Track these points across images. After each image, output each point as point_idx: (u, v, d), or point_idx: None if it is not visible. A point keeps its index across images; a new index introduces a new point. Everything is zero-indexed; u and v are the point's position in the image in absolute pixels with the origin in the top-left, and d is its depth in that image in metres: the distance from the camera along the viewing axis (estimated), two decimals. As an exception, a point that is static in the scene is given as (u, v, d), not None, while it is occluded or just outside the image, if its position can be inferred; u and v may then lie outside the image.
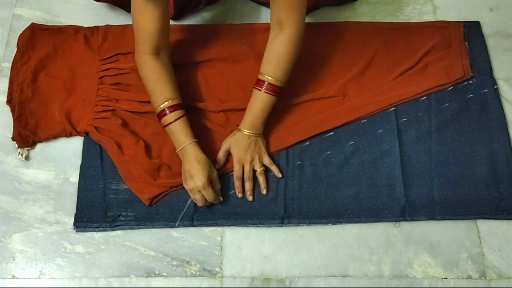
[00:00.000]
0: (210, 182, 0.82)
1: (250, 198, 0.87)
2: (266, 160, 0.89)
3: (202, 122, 0.93)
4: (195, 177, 0.81)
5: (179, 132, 0.83)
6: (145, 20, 0.82)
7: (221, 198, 0.86)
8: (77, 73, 0.98)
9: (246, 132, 0.87)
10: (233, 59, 1.00)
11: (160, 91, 0.84)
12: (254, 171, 0.88)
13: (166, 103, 0.83)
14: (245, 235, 0.86)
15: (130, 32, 1.01)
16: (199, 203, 0.83)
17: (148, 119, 0.93)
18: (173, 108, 0.83)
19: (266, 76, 0.85)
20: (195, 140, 0.84)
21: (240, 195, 0.87)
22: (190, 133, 0.84)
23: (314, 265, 0.84)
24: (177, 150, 0.84)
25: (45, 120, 0.93)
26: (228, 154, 0.89)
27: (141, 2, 0.80)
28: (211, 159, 0.86)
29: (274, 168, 0.89)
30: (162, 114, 0.84)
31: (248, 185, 0.87)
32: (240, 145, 0.87)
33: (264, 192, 0.88)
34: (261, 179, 0.88)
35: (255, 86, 0.86)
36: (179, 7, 1.02)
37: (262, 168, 0.88)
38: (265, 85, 0.85)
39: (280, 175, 0.89)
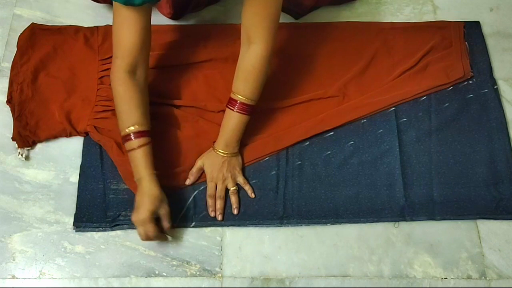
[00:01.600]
0: (157, 219, 0.80)
1: (219, 218, 0.86)
2: (240, 180, 0.88)
3: (201, 122, 0.93)
4: (140, 209, 0.78)
5: (139, 160, 0.80)
6: (126, 33, 0.78)
7: (168, 237, 0.84)
8: (77, 73, 0.98)
9: (220, 152, 0.86)
10: (233, 59, 0.98)
11: (129, 114, 0.81)
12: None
13: (132, 128, 0.80)
14: (245, 235, 0.86)
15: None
16: (141, 238, 0.79)
17: None
18: (138, 134, 0.80)
19: (237, 95, 0.83)
20: (154, 172, 0.80)
21: (212, 214, 0.86)
22: (150, 164, 0.80)
23: (314, 265, 0.84)
24: (135, 179, 0.81)
25: (45, 120, 0.93)
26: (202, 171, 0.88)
27: (125, 13, 0.76)
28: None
29: (247, 188, 0.87)
30: (127, 138, 0.80)
31: (219, 204, 0.86)
32: (214, 164, 0.86)
33: (235, 212, 0.86)
34: (233, 199, 0.87)
35: (228, 106, 0.85)
36: (178, 6, 1.02)
37: (235, 188, 0.87)
38: (237, 104, 0.83)
39: (253, 196, 0.87)
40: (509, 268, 0.84)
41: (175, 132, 0.92)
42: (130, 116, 0.81)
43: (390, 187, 0.89)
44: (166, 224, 0.82)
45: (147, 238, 0.79)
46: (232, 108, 0.84)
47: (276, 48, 1.00)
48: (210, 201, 0.86)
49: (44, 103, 0.94)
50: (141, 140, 0.80)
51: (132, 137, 0.80)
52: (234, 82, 0.84)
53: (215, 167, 0.86)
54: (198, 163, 0.88)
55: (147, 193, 0.79)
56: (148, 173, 0.80)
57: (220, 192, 0.86)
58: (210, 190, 0.86)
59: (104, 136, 0.90)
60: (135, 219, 0.79)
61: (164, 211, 0.81)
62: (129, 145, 0.81)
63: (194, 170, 0.87)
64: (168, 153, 0.90)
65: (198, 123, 0.93)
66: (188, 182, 0.87)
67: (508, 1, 1.09)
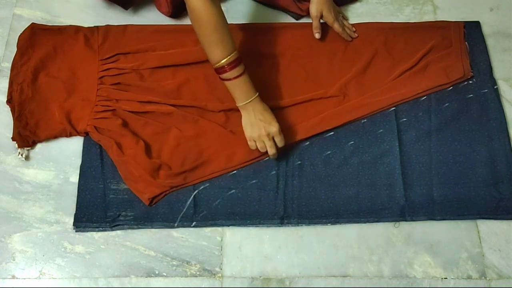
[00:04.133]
0: None
1: (316, 36, 1.00)
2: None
3: (202, 121, 0.93)
4: (271, 124, 0.84)
5: (242, 87, 0.84)
6: None
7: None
8: (77, 73, 0.98)
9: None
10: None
11: (225, 42, 0.81)
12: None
13: (229, 57, 0.81)
14: (245, 235, 0.86)
15: (130, 32, 1.02)
16: (272, 150, 0.85)
17: (148, 119, 0.93)
18: (235, 63, 0.82)
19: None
20: (258, 93, 0.86)
21: (317, 36, 1.00)
22: (253, 86, 0.85)
23: (314, 265, 0.84)
24: (242, 104, 0.85)
25: (45, 120, 0.93)
26: None
27: None
28: (211, 158, 0.87)
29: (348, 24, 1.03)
30: (231, 65, 0.82)
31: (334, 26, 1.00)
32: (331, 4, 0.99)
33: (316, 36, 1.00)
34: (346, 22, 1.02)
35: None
36: (176, 4, 1.02)
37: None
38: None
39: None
40: (509, 268, 0.84)
41: (175, 132, 0.92)
42: (225, 45, 0.81)
43: (390, 187, 0.89)
44: (282, 139, 0.86)
45: (276, 150, 0.86)
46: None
47: (276, 48, 1.01)
48: (316, 22, 1.00)
49: (44, 103, 0.94)
50: (240, 69, 0.83)
51: (235, 64, 0.82)
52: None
53: (326, 3, 0.98)
54: (317, 12, 0.99)
55: (266, 109, 0.85)
56: (256, 94, 0.85)
57: (337, 20, 1.00)
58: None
59: (104, 136, 0.90)
60: (269, 131, 0.84)
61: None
62: (233, 73, 0.82)
63: (315, 22, 1.00)
64: (169, 153, 0.90)
65: (198, 123, 0.93)
66: (318, 36, 1.01)
67: (508, 1, 1.09)
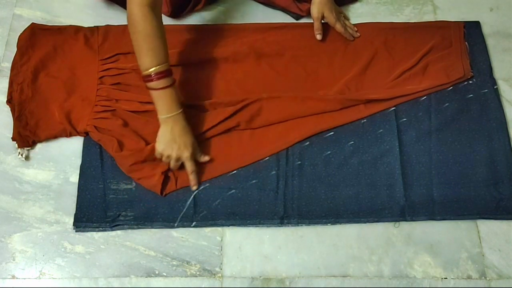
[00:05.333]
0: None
1: (318, 37, 1.01)
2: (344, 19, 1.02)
3: (201, 121, 0.93)
4: (185, 148, 0.83)
5: (172, 98, 0.82)
6: None
7: (206, 157, 0.88)
8: (77, 73, 0.98)
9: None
10: (233, 59, 1.00)
11: (157, 52, 0.80)
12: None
13: (157, 67, 0.80)
14: (245, 235, 0.86)
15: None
16: (174, 168, 0.86)
17: (149, 118, 0.92)
18: (163, 74, 0.81)
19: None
20: (182, 110, 0.84)
21: (319, 38, 1.01)
22: (178, 102, 0.83)
23: (314, 265, 0.84)
24: (163, 117, 0.83)
25: (45, 120, 0.93)
26: None
27: None
28: (210, 160, 0.88)
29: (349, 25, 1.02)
30: (158, 76, 0.81)
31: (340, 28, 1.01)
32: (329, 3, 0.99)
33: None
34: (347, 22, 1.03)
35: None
36: (176, 4, 1.02)
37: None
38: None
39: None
40: (509, 268, 0.84)
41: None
42: (156, 54, 0.80)
43: (390, 187, 0.88)
44: (204, 158, 0.87)
45: (178, 167, 0.86)
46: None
47: (276, 47, 1.01)
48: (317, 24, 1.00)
49: (44, 103, 0.94)
50: (168, 80, 0.82)
51: (157, 77, 0.80)
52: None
53: (327, 4, 0.98)
54: (318, 13, 0.99)
55: (184, 130, 0.84)
56: (179, 110, 0.83)
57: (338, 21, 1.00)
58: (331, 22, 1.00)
59: (104, 136, 0.89)
60: (181, 155, 0.84)
61: (196, 144, 0.86)
62: (158, 84, 0.81)
63: (316, 23, 1.00)
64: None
65: (196, 123, 0.92)
66: (319, 37, 1.01)
67: (508, 1, 1.09)
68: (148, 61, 0.80)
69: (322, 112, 0.94)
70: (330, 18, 1.00)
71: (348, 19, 1.05)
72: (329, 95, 0.94)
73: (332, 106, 0.94)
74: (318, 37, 1.01)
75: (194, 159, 0.86)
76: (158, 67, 0.80)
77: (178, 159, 0.84)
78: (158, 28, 0.81)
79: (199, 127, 0.90)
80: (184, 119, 0.85)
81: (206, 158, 0.88)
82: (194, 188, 0.87)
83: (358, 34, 1.02)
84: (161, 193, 0.87)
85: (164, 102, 0.82)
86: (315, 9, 0.99)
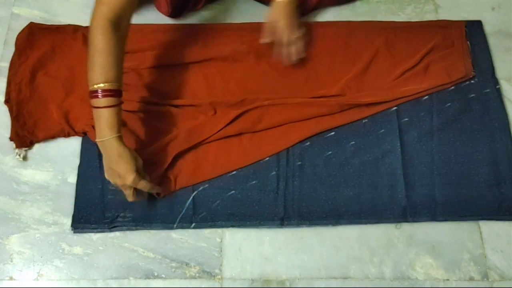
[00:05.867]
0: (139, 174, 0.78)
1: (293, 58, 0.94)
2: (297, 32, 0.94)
3: (200, 121, 0.92)
4: (125, 175, 0.76)
5: (105, 121, 0.76)
6: None
7: (158, 187, 0.83)
8: (76, 73, 0.97)
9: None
10: (233, 59, 0.99)
11: (106, 68, 0.76)
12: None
13: (105, 84, 0.76)
14: (245, 236, 0.86)
15: (129, 32, 1.01)
16: (130, 199, 0.80)
17: (147, 118, 0.92)
18: (108, 93, 0.76)
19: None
20: (119, 135, 0.77)
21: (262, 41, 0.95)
22: (116, 126, 0.76)
23: (314, 267, 0.84)
24: (99, 140, 0.77)
25: (43, 120, 0.92)
26: None
27: None
28: (210, 160, 0.86)
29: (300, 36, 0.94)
30: (94, 94, 0.76)
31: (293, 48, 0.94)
32: (287, 13, 0.92)
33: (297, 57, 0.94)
34: (299, 44, 0.94)
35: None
36: (176, 5, 1.01)
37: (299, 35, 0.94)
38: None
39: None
40: (511, 269, 0.84)
41: (174, 131, 0.91)
42: (106, 70, 0.76)
43: (391, 188, 0.88)
44: (146, 177, 0.80)
45: (136, 197, 0.80)
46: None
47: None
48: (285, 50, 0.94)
49: (42, 103, 0.94)
50: (111, 100, 0.76)
51: (100, 95, 0.76)
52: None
53: (288, 15, 0.92)
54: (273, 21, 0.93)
55: (120, 156, 0.76)
56: (115, 136, 0.76)
57: (288, 36, 0.93)
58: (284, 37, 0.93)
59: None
60: (125, 183, 0.77)
61: (140, 165, 0.79)
62: (96, 102, 0.76)
63: (266, 28, 0.94)
64: (167, 153, 0.89)
65: (197, 123, 0.92)
66: (263, 41, 0.95)
67: (510, 0, 1.09)
68: (96, 76, 0.76)
69: (323, 115, 0.93)
70: (282, 33, 0.93)
71: (305, 38, 0.97)
72: (331, 101, 0.94)
73: (333, 110, 0.93)
74: (263, 40, 0.95)
75: (141, 177, 0.79)
76: (105, 84, 0.76)
77: (126, 187, 0.78)
78: (115, 45, 0.77)
79: (199, 134, 0.90)
80: (120, 143, 0.77)
81: (147, 178, 0.81)
82: (162, 196, 0.84)
83: (296, 58, 0.95)
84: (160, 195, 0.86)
85: (100, 123, 0.76)
86: (270, 16, 0.92)
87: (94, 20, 0.78)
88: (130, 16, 0.81)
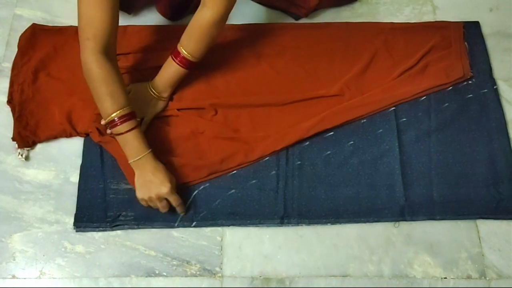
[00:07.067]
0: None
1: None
2: (147, 118, 0.91)
3: (200, 122, 0.93)
4: (161, 185, 0.80)
5: (132, 143, 0.80)
6: (99, 13, 0.78)
7: (183, 207, 0.85)
8: (78, 74, 0.96)
9: (152, 90, 0.90)
10: (234, 59, 1.00)
11: (116, 97, 0.80)
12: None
13: (119, 112, 0.80)
14: (245, 235, 0.86)
15: (131, 33, 1.02)
16: (163, 210, 0.83)
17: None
18: (126, 118, 0.80)
19: (181, 48, 0.86)
20: (150, 150, 0.82)
21: None
22: (144, 144, 0.81)
23: (314, 265, 0.84)
24: (132, 160, 0.81)
25: (45, 121, 0.93)
26: None
27: None
28: (210, 159, 0.87)
29: (143, 128, 0.89)
30: (113, 124, 0.80)
31: None
32: (139, 92, 0.91)
33: None
34: (143, 127, 0.90)
35: (171, 54, 0.88)
36: (176, 8, 1.02)
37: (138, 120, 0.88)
38: (179, 57, 0.87)
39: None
40: (509, 268, 0.84)
41: (174, 132, 0.92)
42: (116, 99, 0.80)
43: (390, 187, 0.89)
44: (176, 198, 0.83)
45: (169, 208, 0.83)
46: (174, 58, 0.87)
47: (277, 47, 1.01)
48: None
49: (45, 104, 0.94)
50: (131, 123, 0.81)
51: (123, 120, 0.80)
52: (183, 36, 0.87)
53: (139, 96, 0.90)
54: (129, 87, 0.92)
55: (157, 169, 0.81)
56: (149, 151, 0.82)
57: None
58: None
59: (105, 137, 0.89)
60: (160, 193, 0.80)
61: (174, 180, 0.83)
62: (120, 128, 0.80)
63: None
64: (167, 154, 0.90)
65: (197, 124, 0.92)
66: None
67: (508, 1, 1.09)
68: (108, 106, 0.79)
69: (322, 115, 0.94)
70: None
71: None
72: (330, 101, 0.94)
73: (332, 110, 0.94)
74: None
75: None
76: (120, 111, 0.80)
77: (159, 197, 0.81)
78: (113, 73, 0.81)
79: (200, 133, 0.92)
80: (155, 158, 0.82)
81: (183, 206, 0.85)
82: (182, 214, 0.86)
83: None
84: None
85: (131, 146, 0.81)
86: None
87: (85, 56, 0.80)
88: (115, 42, 0.84)
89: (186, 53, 0.86)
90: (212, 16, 0.83)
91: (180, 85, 0.94)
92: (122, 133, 0.80)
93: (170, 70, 0.89)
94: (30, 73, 0.96)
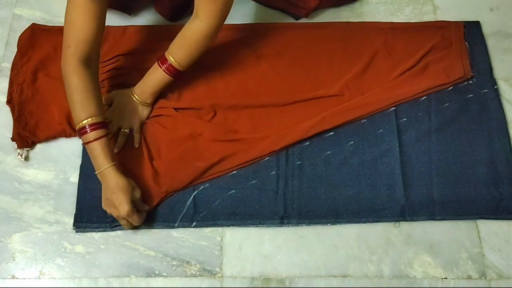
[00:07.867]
0: (135, 205, 0.81)
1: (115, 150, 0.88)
2: (135, 127, 0.91)
3: (200, 122, 0.93)
4: (119, 206, 0.78)
5: (98, 153, 0.79)
6: (82, 21, 0.78)
7: (146, 206, 0.84)
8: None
9: (134, 95, 0.90)
10: (233, 59, 1.00)
11: (86, 104, 0.80)
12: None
13: (89, 119, 0.79)
14: (245, 235, 0.86)
15: (130, 33, 1.02)
16: (126, 228, 0.83)
17: (149, 120, 0.93)
18: (95, 126, 0.79)
19: (169, 56, 0.86)
20: (114, 163, 0.80)
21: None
22: (109, 155, 0.80)
23: (314, 265, 0.84)
24: (96, 172, 0.81)
25: (45, 121, 0.93)
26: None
27: (82, 1, 0.77)
28: (210, 159, 0.87)
29: (137, 137, 0.90)
30: (83, 131, 0.79)
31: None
32: (123, 101, 0.90)
33: (115, 150, 0.87)
34: (120, 139, 0.90)
35: (158, 60, 0.87)
36: (174, 7, 1.02)
37: (127, 130, 0.90)
38: (166, 64, 0.86)
39: (136, 145, 0.89)
40: (509, 268, 0.84)
41: (172, 134, 0.92)
42: (86, 108, 0.80)
43: (390, 187, 0.88)
44: (144, 207, 0.84)
45: (131, 227, 0.83)
46: (161, 65, 0.87)
47: (276, 48, 1.01)
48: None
49: (44, 104, 0.94)
50: (99, 132, 0.80)
51: (88, 130, 0.79)
52: (172, 44, 0.87)
53: (123, 104, 0.90)
54: (110, 94, 0.92)
55: (118, 187, 0.79)
56: (110, 164, 0.79)
57: (111, 127, 0.89)
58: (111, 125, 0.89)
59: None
60: (117, 214, 0.79)
61: (138, 195, 0.82)
62: (86, 137, 0.80)
63: (104, 98, 0.90)
64: (166, 155, 0.90)
65: (196, 124, 0.92)
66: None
67: (508, 1, 1.09)
68: (79, 113, 0.80)
69: (322, 115, 0.94)
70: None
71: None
72: (330, 101, 0.94)
73: (332, 110, 0.94)
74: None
75: (137, 208, 0.82)
76: (90, 119, 0.79)
77: (118, 218, 0.80)
78: (89, 81, 0.81)
79: (200, 136, 0.92)
80: (117, 173, 0.80)
81: (146, 207, 0.84)
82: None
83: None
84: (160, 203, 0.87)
85: (97, 156, 0.80)
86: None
87: (64, 62, 0.82)
88: (98, 52, 0.84)
89: (173, 60, 0.85)
90: (204, 29, 0.83)
91: (179, 85, 0.94)
92: (90, 141, 0.79)
93: (155, 77, 0.88)
94: (29, 73, 0.96)
